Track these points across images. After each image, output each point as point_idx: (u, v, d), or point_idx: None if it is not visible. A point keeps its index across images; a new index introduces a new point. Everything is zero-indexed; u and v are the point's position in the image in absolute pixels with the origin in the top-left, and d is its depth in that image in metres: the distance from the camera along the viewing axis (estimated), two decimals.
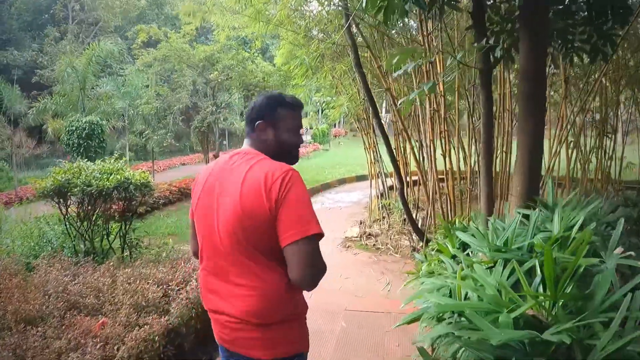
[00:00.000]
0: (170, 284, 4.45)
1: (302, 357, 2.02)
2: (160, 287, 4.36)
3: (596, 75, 6.99)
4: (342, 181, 16.21)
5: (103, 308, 4.03)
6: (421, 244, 7.32)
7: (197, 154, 27.18)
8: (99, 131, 10.96)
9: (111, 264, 4.90)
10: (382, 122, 9.74)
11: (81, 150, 10.76)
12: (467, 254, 2.96)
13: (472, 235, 3.05)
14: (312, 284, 1.82)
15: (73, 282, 4.38)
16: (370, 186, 9.89)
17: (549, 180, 3.91)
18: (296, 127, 2.09)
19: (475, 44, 3.98)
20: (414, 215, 7.56)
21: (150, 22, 15.27)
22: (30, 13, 26.77)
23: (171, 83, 15.12)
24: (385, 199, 9.44)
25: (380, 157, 9.33)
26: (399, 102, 5.58)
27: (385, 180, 9.46)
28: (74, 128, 10.83)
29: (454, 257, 3.12)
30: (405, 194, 8.52)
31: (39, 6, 26.54)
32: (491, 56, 3.95)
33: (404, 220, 8.58)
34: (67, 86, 13.25)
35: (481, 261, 2.53)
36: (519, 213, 3.17)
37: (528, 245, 2.60)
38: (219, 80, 13.31)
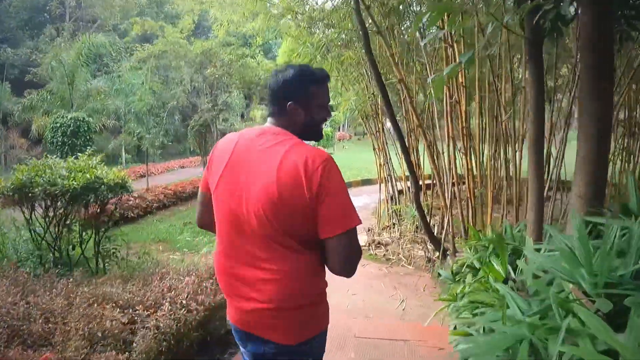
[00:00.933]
0: (138, 307, 3.56)
1: (324, 334, 2.00)
2: (125, 311, 3.49)
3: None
4: (348, 185, 15.17)
5: (53, 337, 3.19)
6: (437, 254, 6.53)
7: (197, 156, 26.42)
8: (85, 128, 10.14)
9: (70, 280, 4.06)
10: (390, 123, 9.09)
11: (66, 149, 9.97)
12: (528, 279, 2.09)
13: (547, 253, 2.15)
14: (352, 272, 1.81)
15: (21, 303, 3.52)
16: (380, 190, 9.04)
17: (630, 177, 3.05)
18: (326, 103, 1.99)
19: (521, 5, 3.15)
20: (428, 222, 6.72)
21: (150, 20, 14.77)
22: (28, 11, 26.17)
23: (167, 80, 14.32)
24: (395, 204, 8.60)
25: (390, 159, 8.52)
26: (430, 78, 4.74)
27: (395, 184, 8.63)
28: (58, 125, 10.02)
29: (505, 280, 2.26)
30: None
31: (37, 4, 25.90)
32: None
33: (417, 227, 7.78)
34: (56, 82, 12.45)
35: (578, 300, 1.65)
36: (590, 223, 2.32)
37: None
38: (216, 76, 12.48)
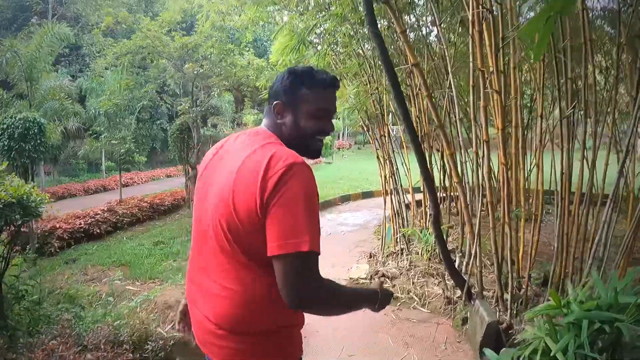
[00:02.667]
0: None
1: None
2: None
3: None
4: (346, 198, 13.71)
5: None
6: (459, 294, 5.02)
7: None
8: (36, 131, 8.56)
9: None
10: (393, 133, 7.55)
11: (12, 155, 8.38)
12: None
13: None
14: (299, 305, 1.49)
15: None
16: (384, 206, 7.44)
17: None
18: (324, 112, 1.71)
19: None
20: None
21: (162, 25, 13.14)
22: (12, 10, 24.89)
23: (146, 79, 12.76)
24: (402, 221, 7.04)
25: (397, 170, 7.00)
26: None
27: (402, 198, 7.09)
28: (5, 127, 8.46)
29: None
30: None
31: (22, 3, 24.53)
32: None
33: (430, 255, 6.25)
34: (14, 77, 10.89)
35: None
36: None
37: None
38: (195, 72, 10.90)
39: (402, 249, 6.74)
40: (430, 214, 4.56)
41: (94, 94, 13.69)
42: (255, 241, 1.50)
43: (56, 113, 11.46)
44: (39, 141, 8.67)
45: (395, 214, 7.08)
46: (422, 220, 7.30)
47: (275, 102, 1.69)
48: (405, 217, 7.09)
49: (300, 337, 1.77)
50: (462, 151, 5.62)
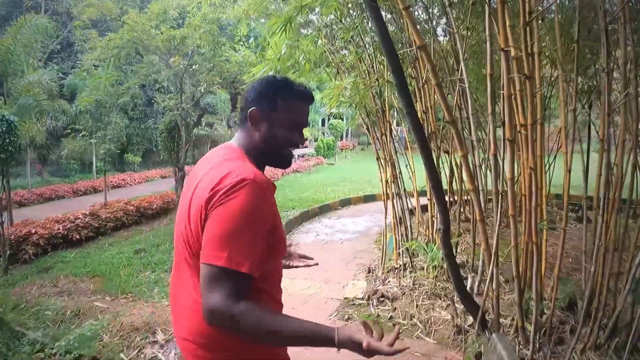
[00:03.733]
0: None
1: None
2: None
3: None
4: (346, 202, 12.87)
5: None
6: (471, 321, 4.31)
7: (192, 165, 24.11)
8: (4, 129, 7.77)
9: None
10: (396, 133, 6.76)
11: None
12: None
13: None
14: (207, 318, 1.45)
15: None
16: (385, 212, 6.60)
17: None
18: (298, 123, 1.74)
19: None
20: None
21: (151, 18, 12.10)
22: (6, 6, 24.23)
23: (130, 73, 11.94)
24: (405, 229, 6.23)
25: (400, 172, 6.20)
26: None
27: (406, 203, 6.32)
28: None
29: None
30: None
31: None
32: None
33: (437, 272, 5.46)
34: None
35: None
36: None
37: None
38: (181, 66, 10.06)
39: (405, 264, 5.92)
40: (438, 228, 3.73)
41: (80, 91, 12.89)
42: None
43: (31, 110, 10.64)
44: (9, 139, 7.88)
45: (397, 222, 6.28)
46: (428, 231, 6.47)
47: (251, 109, 1.68)
48: (409, 226, 6.28)
49: (282, 351, 1.76)
50: (476, 153, 4.79)
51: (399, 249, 6.10)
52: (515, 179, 4.68)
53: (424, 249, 5.73)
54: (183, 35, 10.13)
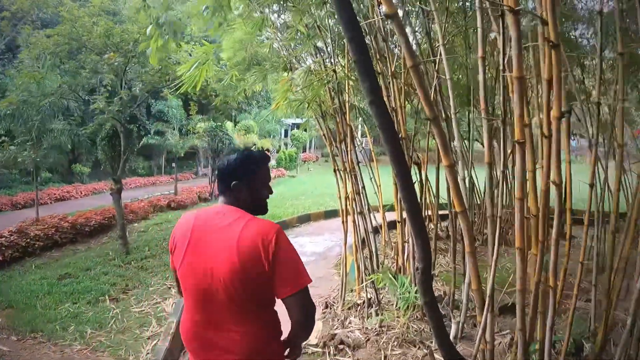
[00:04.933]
0: None
1: None
2: None
3: None
4: (306, 218, 11.80)
5: None
6: None
7: (137, 177, 22.59)
8: None
9: None
10: (360, 143, 5.74)
11: None
12: None
13: None
14: (311, 322, 2.14)
15: None
16: (345, 232, 5.47)
17: None
18: (267, 181, 2.33)
19: None
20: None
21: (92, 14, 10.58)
22: None
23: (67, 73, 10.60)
24: (371, 259, 5.17)
25: (363, 187, 5.16)
26: None
27: (370, 221, 5.37)
28: None
29: None
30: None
31: None
32: None
33: (410, 312, 4.41)
34: None
35: None
36: None
37: None
38: (116, 63, 8.81)
39: (369, 299, 4.84)
40: (416, 267, 2.66)
41: (11, 92, 11.49)
42: (261, 290, 2.05)
43: None
44: None
45: (360, 245, 5.21)
46: (397, 257, 5.43)
47: (233, 182, 2.18)
48: (373, 250, 5.20)
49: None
50: (459, 163, 3.77)
51: (362, 281, 5.02)
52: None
53: (392, 280, 4.65)
54: (123, 31, 8.95)
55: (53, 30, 9.47)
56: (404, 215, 4.82)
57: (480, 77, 3.02)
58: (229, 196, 2.21)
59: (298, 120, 34.80)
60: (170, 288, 7.06)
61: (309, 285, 2.07)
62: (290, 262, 2.03)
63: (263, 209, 2.30)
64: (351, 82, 4.74)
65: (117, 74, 9.65)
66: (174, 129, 17.39)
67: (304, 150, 35.87)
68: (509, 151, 3.43)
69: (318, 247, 8.81)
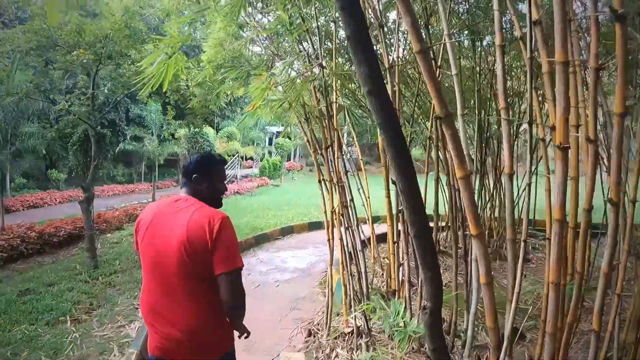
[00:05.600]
0: None
1: (228, 354, 2.52)
2: None
3: None
4: (288, 230, 11.16)
5: None
6: None
7: (117, 184, 21.82)
8: None
9: None
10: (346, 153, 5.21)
11: None
12: None
13: None
14: (239, 304, 2.36)
15: None
16: (331, 249, 4.93)
17: None
18: (223, 179, 2.71)
19: None
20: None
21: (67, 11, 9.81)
22: None
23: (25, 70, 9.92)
24: (359, 279, 4.60)
25: (352, 200, 4.59)
26: None
27: (359, 237, 4.82)
28: None
29: None
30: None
31: None
32: None
33: (407, 346, 3.81)
34: None
35: None
36: None
37: None
38: (85, 60, 8.14)
39: (359, 328, 4.25)
40: (423, 306, 2.08)
41: None
42: (205, 266, 2.29)
43: None
44: None
45: (347, 261, 4.63)
46: (391, 279, 4.86)
47: (194, 176, 2.56)
48: (362, 270, 4.62)
49: (229, 331, 2.55)
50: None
51: (350, 305, 4.44)
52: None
53: (383, 306, 4.06)
54: (94, 26, 8.31)
55: (24, 27, 8.84)
56: (399, 230, 4.27)
57: (499, 68, 2.52)
58: (190, 188, 2.57)
59: (282, 129, 34.40)
60: (137, 308, 6.40)
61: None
62: (229, 244, 2.30)
63: (218, 203, 2.64)
64: (339, 82, 4.19)
65: (89, 74, 9.02)
66: (152, 135, 16.71)
67: (289, 159, 35.33)
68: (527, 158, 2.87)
69: (301, 263, 8.20)
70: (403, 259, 4.07)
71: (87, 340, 5.53)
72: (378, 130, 1.88)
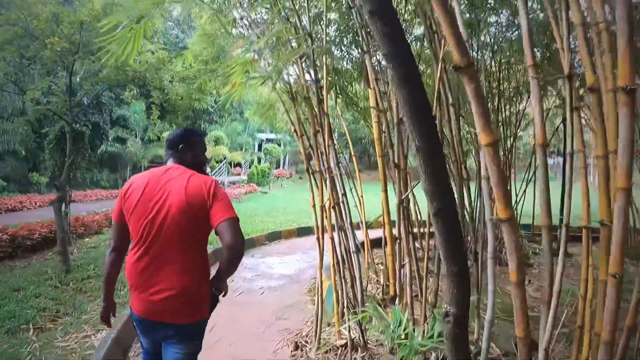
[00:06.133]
0: None
1: (207, 320, 2.70)
2: None
3: None
4: (275, 236, 10.62)
5: None
6: None
7: (100, 189, 21.19)
8: None
9: None
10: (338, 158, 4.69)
11: None
12: None
13: None
14: (241, 246, 2.44)
15: None
16: (321, 251, 4.36)
17: None
18: (204, 150, 2.96)
19: None
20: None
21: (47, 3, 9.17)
22: None
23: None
24: (353, 284, 4.08)
25: (344, 195, 4.08)
26: None
27: (353, 239, 4.24)
28: None
29: None
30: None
31: None
32: None
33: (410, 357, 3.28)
34: None
35: None
36: None
37: None
38: (59, 49, 7.60)
39: (353, 341, 3.70)
40: (445, 311, 1.56)
41: None
42: (202, 225, 2.48)
43: None
44: None
45: (339, 266, 4.11)
46: (392, 284, 4.33)
47: (180, 147, 2.78)
48: (357, 274, 4.09)
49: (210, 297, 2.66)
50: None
51: (342, 314, 3.90)
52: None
53: (382, 315, 3.52)
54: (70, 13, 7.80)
55: (2, 17, 8.32)
56: (401, 230, 3.75)
57: (524, 20, 2.04)
58: (177, 157, 2.75)
59: (272, 136, 33.99)
60: None
61: None
62: (225, 200, 2.50)
63: (203, 171, 2.76)
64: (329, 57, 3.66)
65: (66, 67, 8.49)
66: (135, 136, 16.12)
67: (278, 166, 35.05)
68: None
69: (288, 269, 7.66)
70: (405, 260, 3.54)
71: (47, 351, 4.94)
72: (386, 63, 1.36)
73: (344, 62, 5.96)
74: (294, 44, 3.48)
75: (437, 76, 3.30)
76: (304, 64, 3.80)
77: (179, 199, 2.47)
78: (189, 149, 2.79)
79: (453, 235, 1.49)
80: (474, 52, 5.21)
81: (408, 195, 3.78)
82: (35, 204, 17.23)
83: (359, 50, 4.69)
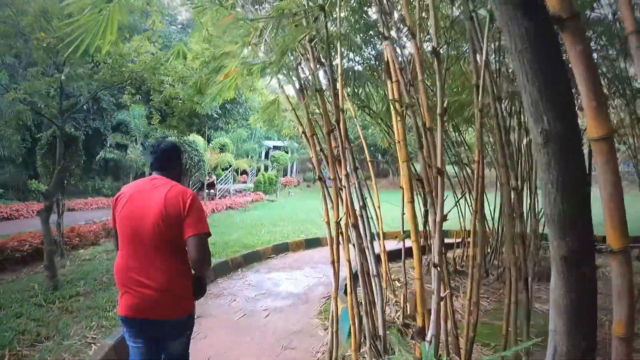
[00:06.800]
0: None
1: (193, 314, 2.97)
2: None
3: None
4: (283, 248, 9.94)
5: None
6: None
7: (98, 197, 20.65)
8: None
9: None
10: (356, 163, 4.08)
11: None
12: None
13: None
14: (204, 263, 2.71)
15: None
16: (336, 271, 3.66)
17: None
18: (183, 163, 3.47)
19: None
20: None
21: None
22: None
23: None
24: (371, 309, 3.46)
25: (364, 206, 3.46)
26: None
27: (373, 261, 3.65)
28: None
29: None
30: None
31: None
32: None
33: None
34: None
35: None
36: None
37: None
38: (45, 44, 7.04)
39: None
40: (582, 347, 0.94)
41: None
42: (179, 233, 2.68)
43: None
44: None
45: (356, 291, 3.46)
46: (421, 316, 3.67)
47: (169, 159, 3.02)
48: (377, 300, 3.43)
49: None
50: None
51: (360, 346, 3.24)
52: None
53: (405, 350, 2.85)
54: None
55: None
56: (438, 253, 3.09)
57: None
58: (163, 170, 2.99)
59: (279, 143, 33.45)
60: (91, 344, 5.17)
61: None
62: (197, 213, 2.74)
63: (181, 182, 3.01)
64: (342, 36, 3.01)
65: (57, 67, 7.94)
66: (136, 142, 15.55)
67: (285, 174, 34.53)
68: None
69: (296, 287, 6.96)
70: (445, 292, 2.86)
71: None
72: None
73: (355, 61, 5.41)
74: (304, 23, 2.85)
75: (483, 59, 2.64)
76: (314, 50, 3.17)
77: (159, 207, 2.71)
78: (175, 162, 3.07)
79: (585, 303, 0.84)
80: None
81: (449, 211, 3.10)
82: (33, 212, 16.65)
83: (376, 40, 4.05)
